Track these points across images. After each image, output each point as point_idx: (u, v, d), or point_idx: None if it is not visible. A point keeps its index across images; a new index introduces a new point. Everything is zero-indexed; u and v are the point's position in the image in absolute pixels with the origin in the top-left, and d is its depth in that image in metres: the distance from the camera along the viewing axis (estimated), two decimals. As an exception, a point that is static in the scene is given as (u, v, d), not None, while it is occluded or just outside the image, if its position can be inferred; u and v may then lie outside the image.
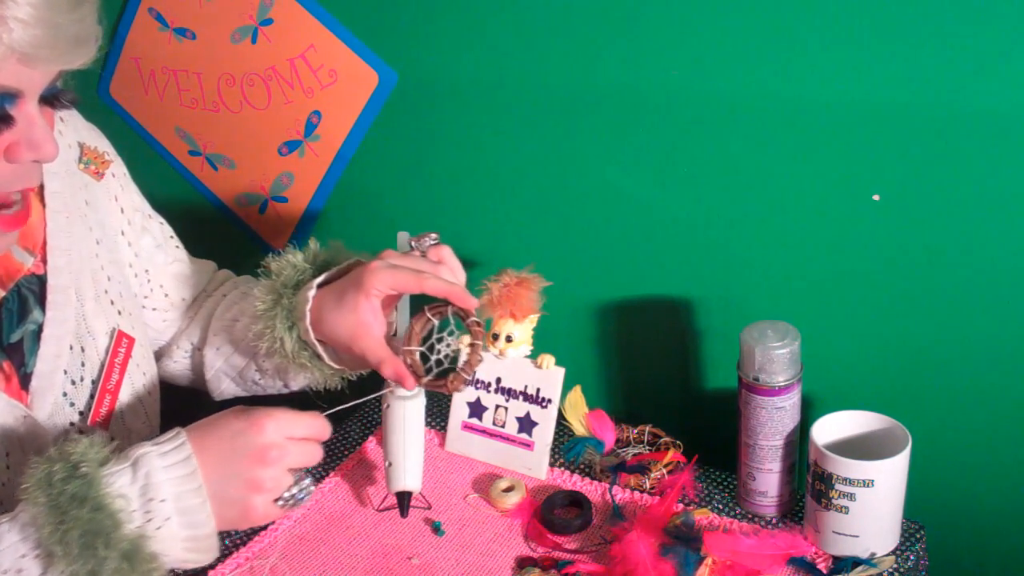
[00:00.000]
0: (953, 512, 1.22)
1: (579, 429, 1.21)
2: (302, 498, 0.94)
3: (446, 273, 1.03)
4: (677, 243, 1.25)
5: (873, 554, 1.04)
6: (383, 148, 1.41)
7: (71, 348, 1.03)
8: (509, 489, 1.16)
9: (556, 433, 1.20)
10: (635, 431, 1.24)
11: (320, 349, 1.05)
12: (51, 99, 0.89)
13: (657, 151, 1.22)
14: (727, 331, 1.21)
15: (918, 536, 1.09)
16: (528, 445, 1.20)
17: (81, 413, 1.03)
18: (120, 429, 1.08)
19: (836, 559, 1.05)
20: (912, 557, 1.06)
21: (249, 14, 1.41)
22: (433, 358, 1.04)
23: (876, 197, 1.12)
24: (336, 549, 1.10)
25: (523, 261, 1.17)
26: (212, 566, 1.07)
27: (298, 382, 1.16)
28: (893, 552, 1.05)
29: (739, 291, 1.24)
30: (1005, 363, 1.13)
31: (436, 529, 1.12)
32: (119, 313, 1.10)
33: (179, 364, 1.24)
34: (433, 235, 1.08)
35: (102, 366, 1.06)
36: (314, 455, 0.95)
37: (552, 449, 1.20)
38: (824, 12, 1.07)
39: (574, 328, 1.36)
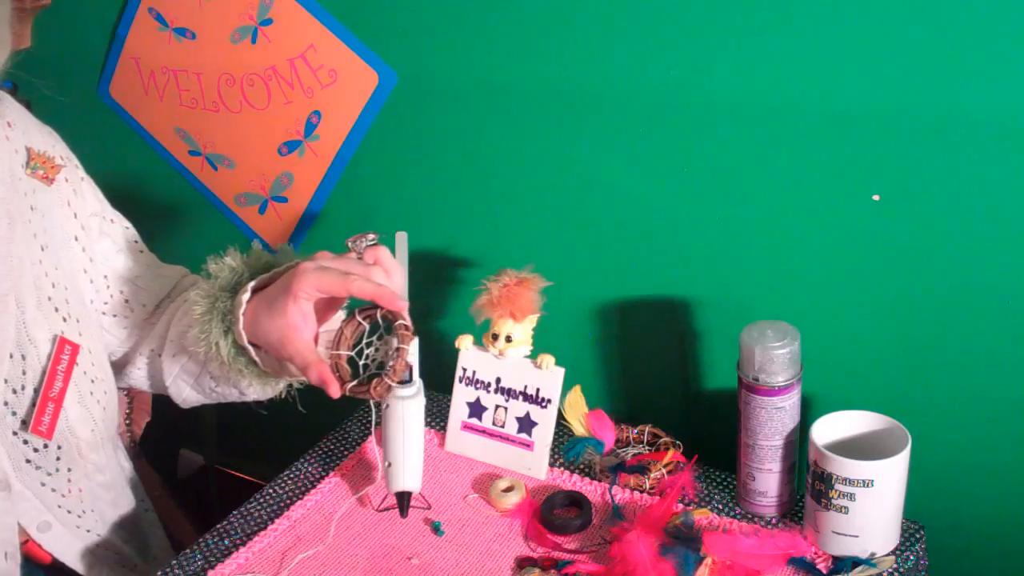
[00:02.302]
0: (953, 512, 1.22)
1: (579, 429, 1.21)
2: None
3: (378, 275, 1.00)
4: (677, 243, 1.25)
5: (873, 554, 1.04)
6: (383, 148, 1.41)
7: (11, 356, 1.01)
8: (509, 489, 1.16)
9: (556, 433, 1.20)
10: (635, 431, 1.24)
11: (254, 354, 1.03)
12: None
13: (657, 151, 1.22)
14: (727, 331, 1.21)
15: (918, 536, 1.09)
16: (528, 445, 1.20)
17: (24, 422, 1.01)
18: (66, 437, 1.05)
19: (836, 559, 1.05)
20: (912, 557, 1.06)
21: (249, 14, 1.41)
22: (361, 363, 1.02)
23: (876, 197, 1.12)
24: (336, 549, 1.10)
25: (523, 261, 1.17)
26: (212, 566, 1.07)
27: (253, 390, 1.13)
28: (893, 552, 1.05)
29: (739, 291, 1.24)
30: (1005, 363, 1.13)
31: (436, 529, 1.12)
32: (64, 320, 1.07)
33: (141, 371, 1.21)
34: (371, 235, 1.05)
35: (43, 373, 1.03)
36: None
37: (552, 449, 1.20)
38: (824, 13, 1.07)
39: (574, 328, 1.36)
